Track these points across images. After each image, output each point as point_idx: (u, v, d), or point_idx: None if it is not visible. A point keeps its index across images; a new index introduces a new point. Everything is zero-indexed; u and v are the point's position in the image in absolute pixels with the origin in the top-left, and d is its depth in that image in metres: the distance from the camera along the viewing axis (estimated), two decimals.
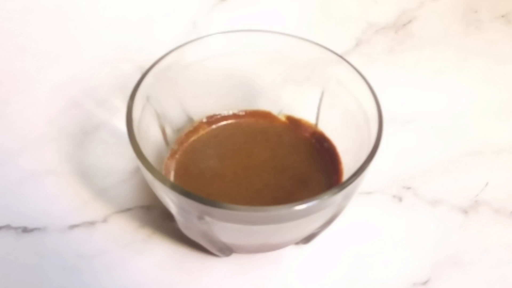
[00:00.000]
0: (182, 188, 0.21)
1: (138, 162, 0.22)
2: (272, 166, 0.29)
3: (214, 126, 0.31)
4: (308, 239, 0.27)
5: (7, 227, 0.28)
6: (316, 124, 0.30)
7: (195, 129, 0.30)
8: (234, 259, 0.27)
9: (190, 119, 0.30)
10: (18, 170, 0.31)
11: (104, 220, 0.29)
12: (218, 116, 0.31)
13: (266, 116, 0.31)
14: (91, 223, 0.29)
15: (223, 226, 0.22)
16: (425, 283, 0.27)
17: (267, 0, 0.45)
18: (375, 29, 0.43)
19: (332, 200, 0.21)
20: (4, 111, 0.34)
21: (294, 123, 0.31)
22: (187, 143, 0.30)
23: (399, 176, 0.32)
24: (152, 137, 0.27)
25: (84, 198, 0.30)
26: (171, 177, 0.28)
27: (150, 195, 0.29)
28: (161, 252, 0.28)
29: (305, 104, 0.30)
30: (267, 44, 0.28)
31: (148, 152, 0.24)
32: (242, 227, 0.22)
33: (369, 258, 0.28)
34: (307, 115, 0.30)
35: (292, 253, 0.28)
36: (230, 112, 0.31)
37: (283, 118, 0.31)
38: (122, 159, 0.31)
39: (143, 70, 0.26)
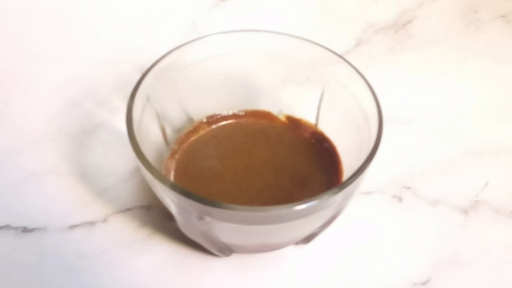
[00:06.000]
0: (182, 188, 0.21)
1: (138, 162, 0.22)
2: (272, 166, 0.29)
3: (214, 126, 0.31)
4: (308, 239, 0.27)
5: (7, 227, 0.28)
6: (316, 124, 0.30)
7: (195, 129, 0.30)
8: (234, 259, 0.27)
9: (190, 119, 0.30)
10: (18, 170, 0.31)
11: (104, 220, 0.29)
12: (218, 116, 0.31)
13: (266, 116, 0.31)
14: (91, 223, 0.29)
15: (223, 226, 0.22)
16: (425, 283, 0.27)
17: (267, 0, 0.45)
18: (375, 29, 0.43)
19: (332, 200, 0.21)
20: (4, 111, 0.34)
21: (294, 123, 0.31)
22: (187, 143, 0.30)
23: (399, 176, 0.32)
24: (152, 137, 0.27)
25: (84, 198, 0.30)
26: (171, 177, 0.28)
27: (150, 195, 0.29)
28: (161, 252, 0.28)
29: (305, 104, 0.30)
30: (267, 44, 0.28)
31: (148, 152, 0.24)
32: (242, 227, 0.22)
33: (369, 258, 0.28)
34: (307, 115, 0.30)
35: (292, 253, 0.28)
36: (230, 112, 0.31)
37: (283, 118, 0.31)
38: (122, 159, 0.31)
39: (143, 70, 0.26)
